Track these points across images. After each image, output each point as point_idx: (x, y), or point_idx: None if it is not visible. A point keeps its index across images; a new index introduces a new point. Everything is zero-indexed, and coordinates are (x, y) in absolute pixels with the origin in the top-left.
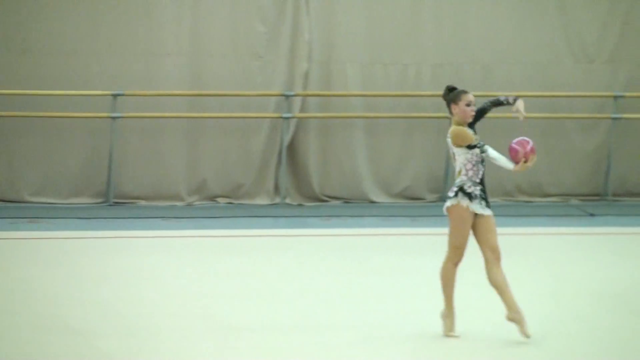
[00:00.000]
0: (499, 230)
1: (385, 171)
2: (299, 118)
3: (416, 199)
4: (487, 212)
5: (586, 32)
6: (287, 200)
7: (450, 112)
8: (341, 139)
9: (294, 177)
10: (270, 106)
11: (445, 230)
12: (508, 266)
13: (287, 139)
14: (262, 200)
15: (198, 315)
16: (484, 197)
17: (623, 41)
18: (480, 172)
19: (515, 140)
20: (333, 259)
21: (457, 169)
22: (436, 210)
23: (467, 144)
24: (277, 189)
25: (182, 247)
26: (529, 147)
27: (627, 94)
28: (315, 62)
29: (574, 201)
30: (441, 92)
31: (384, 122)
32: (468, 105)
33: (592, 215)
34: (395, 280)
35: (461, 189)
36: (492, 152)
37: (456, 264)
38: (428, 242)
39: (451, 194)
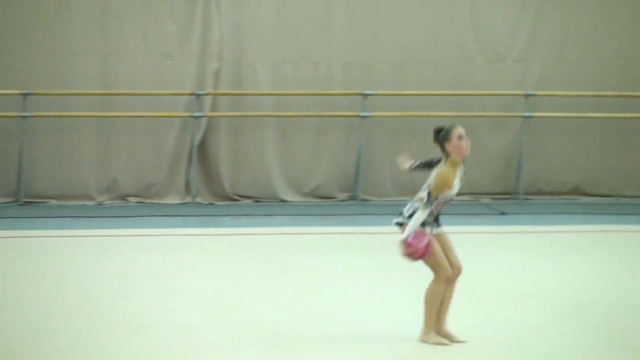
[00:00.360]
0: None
1: (296, 170)
2: (209, 117)
3: (327, 197)
4: (439, 230)
5: (497, 31)
6: (198, 200)
7: (445, 152)
8: (252, 138)
9: (205, 176)
10: (181, 105)
11: (355, 228)
12: (419, 265)
13: (198, 138)
14: (173, 200)
15: (107, 314)
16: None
17: (534, 40)
18: (441, 210)
19: (413, 235)
20: (244, 258)
21: (421, 196)
22: (347, 209)
23: (439, 194)
24: (188, 188)
25: (93, 247)
26: (423, 244)
27: (538, 92)
28: (226, 61)
29: (485, 200)
30: (352, 90)
31: (295, 121)
32: (460, 138)
33: (503, 214)
34: (306, 279)
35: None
36: (416, 216)
37: (448, 280)
38: (339, 241)
39: (402, 220)
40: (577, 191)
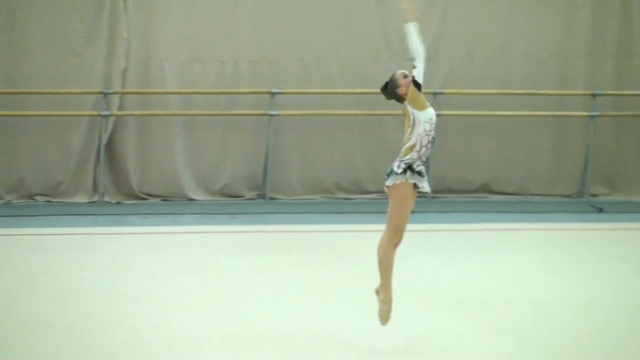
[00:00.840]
0: (315, 227)
1: (204, 168)
2: (117, 116)
3: (235, 196)
4: (423, 185)
5: (403, 29)
6: (106, 198)
7: (403, 99)
8: (160, 137)
9: (113, 174)
10: (89, 104)
11: (263, 227)
12: (326, 264)
13: (105, 136)
14: (80, 199)
15: (11, 314)
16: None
17: (441, 37)
18: (428, 153)
19: None
20: (152, 257)
21: (410, 143)
22: (255, 208)
23: (419, 97)
24: (95, 186)
25: (1, 247)
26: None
27: (445, 90)
28: (133, 60)
29: None
30: (260, 88)
31: (203, 120)
32: (406, 76)
33: (412, 212)
34: (213, 278)
35: (410, 167)
36: (412, 37)
37: (396, 246)
38: (247, 240)
39: (398, 170)
40: (486, 189)
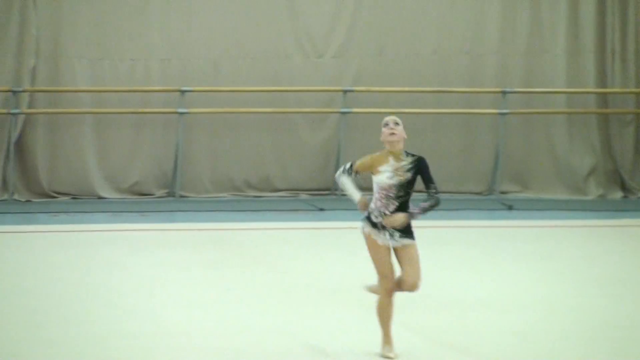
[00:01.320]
0: (225, 225)
1: (113, 167)
2: (27, 114)
3: (145, 194)
4: (403, 242)
5: (315, 28)
6: (16, 197)
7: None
8: (70, 135)
9: (22, 173)
10: None
11: (174, 225)
12: (236, 262)
13: (15, 134)
14: None
15: None
16: (397, 229)
17: (351, 36)
18: (392, 207)
19: None
20: (61, 255)
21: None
22: (165, 206)
23: (359, 168)
24: (5, 184)
25: None
26: None
27: (356, 88)
28: (43, 58)
29: (304, 196)
30: (170, 87)
31: (113, 118)
32: (385, 125)
33: (321, 209)
34: (123, 276)
35: (368, 217)
36: (345, 180)
37: (388, 292)
38: (157, 238)
39: (362, 217)
40: None
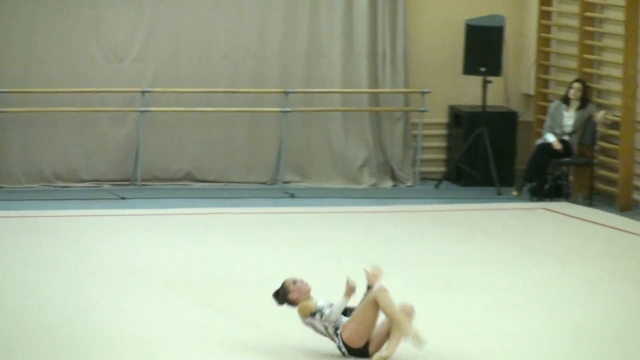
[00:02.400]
0: (37, 212)
1: None
2: None
3: None
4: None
5: (116, 33)
6: None
7: (295, 304)
8: None
9: None
10: None
11: None
12: (47, 245)
13: None
14: None
15: None
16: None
17: (149, 41)
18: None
19: None
20: None
21: (325, 332)
22: None
23: (310, 311)
24: None
25: None
26: None
27: (154, 89)
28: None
29: (107, 186)
30: None
31: None
32: (295, 283)
33: (123, 198)
34: None
35: (337, 328)
36: (334, 310)
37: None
38: None
39: (338, 341)
40: (189, 177)
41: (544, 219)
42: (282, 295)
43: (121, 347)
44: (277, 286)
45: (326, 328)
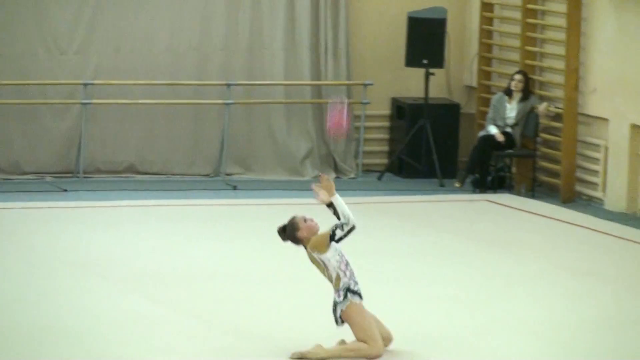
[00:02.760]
0: None
1: None
2: None
3: None
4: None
5: (58, 25)
6: None
7: (301, 241)
8: None
9: None
10: None
11: None
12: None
13: None
14: None
15: None
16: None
17: (91, 33)
18: (354, 270)
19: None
20: None
21: (334, 277)
22: None
23: (327, 242)
24: None
25: None
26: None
27: (96, 81)
28: None
29: (49, 178)
30: None
31: None
32: (305, 221)
33: (65, 190)
34: None
35: (348, 290)
36: (345, 213)
37: (379, 354)
38: None
39: (339, 298)
40: (132, 169)
41: (486, 210)
42: (289, 232)
43: (64, 340)
44: (284, 221)
45: (339, 264)
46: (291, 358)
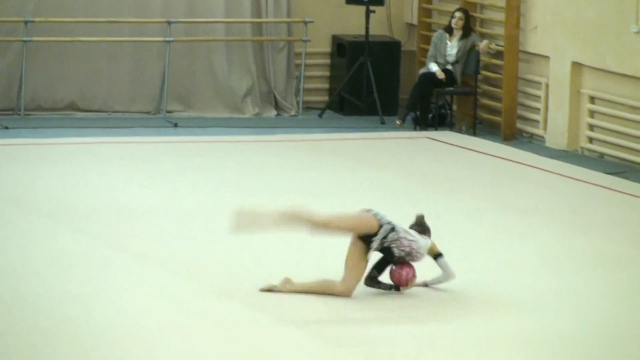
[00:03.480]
0: None
1: None
2: None
3: None
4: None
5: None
6: None
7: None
8: None
9: None
10: None
11: None
12: None
13: None
14: None
15: None
16: None
17: None
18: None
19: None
20: None
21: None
22: None
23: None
24: None
25: None
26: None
27: (36, 19)
28: None
29: None
30: None
31: None
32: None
33: (6, 128)
34: None
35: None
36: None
37: (342, 293)
38: None
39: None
40: (73, 107)
41: (427, 148)
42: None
43: (1, 277)
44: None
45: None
46: (260, 290)
